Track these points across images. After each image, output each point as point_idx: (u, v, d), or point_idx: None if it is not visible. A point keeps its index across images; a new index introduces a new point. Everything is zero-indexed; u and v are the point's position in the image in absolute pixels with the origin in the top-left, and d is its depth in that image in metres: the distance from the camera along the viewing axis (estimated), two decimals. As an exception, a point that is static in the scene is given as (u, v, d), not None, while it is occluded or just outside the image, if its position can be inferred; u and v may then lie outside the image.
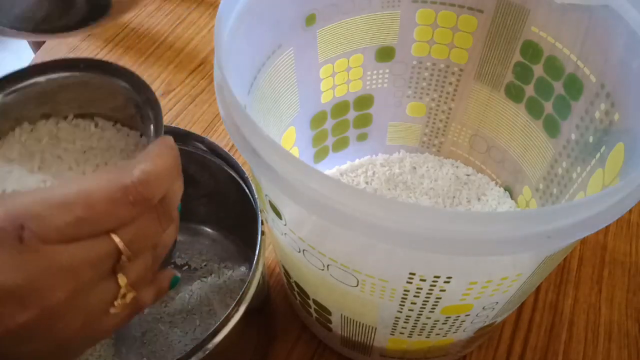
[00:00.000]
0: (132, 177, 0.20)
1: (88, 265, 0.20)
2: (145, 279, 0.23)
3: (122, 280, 0.21)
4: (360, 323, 0.32)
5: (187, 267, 0.42)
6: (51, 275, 0.19)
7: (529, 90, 0.38)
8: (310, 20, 0.37)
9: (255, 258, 0.31)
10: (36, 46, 0.68)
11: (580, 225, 0.21)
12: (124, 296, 0.22)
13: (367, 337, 0.33)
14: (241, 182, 0.36)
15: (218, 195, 0.40)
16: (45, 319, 0.19)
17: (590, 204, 0.21)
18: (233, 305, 0.29)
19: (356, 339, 0.34)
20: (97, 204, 0.20)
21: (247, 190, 0.36)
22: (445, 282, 0.25)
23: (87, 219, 0.19)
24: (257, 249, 0.32)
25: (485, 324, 0.31)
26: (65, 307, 0.19)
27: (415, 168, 0.48)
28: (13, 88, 0.26)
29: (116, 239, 0.20)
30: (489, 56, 0.40)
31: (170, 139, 0.23)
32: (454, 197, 0.46)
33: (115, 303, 0.22)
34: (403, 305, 0.27)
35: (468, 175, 0.48)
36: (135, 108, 0.26)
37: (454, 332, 0.31)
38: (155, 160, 0.22)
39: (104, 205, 0.20)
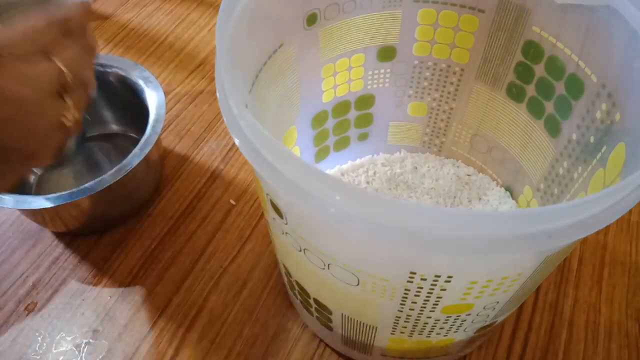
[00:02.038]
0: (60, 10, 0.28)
1: (41, 76, 0.27)
2: (84, 100, 0.30)
3: (68, 100, 0.29)
4: (360, 322, 0.32)
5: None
6: (13, 83, 0.26)
7: (530, 90, 0.38)
8: (312, 19, 0.37)
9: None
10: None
11: (581, 225, 0.21)
12: (73, 114, 0.29)
13: (368, 337, 0.33)
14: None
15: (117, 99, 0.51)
16: (14, 120, 0.26)
17: (591, 204, 0.21)
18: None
19: (357, 338, 0.34)
20: (37, 25, 0.27)
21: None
22: (446, 281, 0.25)
23: (32, 39, 0.27)
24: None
25: (486, 324, 0.31)
26: (28, 105, 0.26)
27: (416, 168, 0.49)
28: None
29: (57, 60, 0.28)
30: (490, 56, 0.40)
31: None
32: (455, 197, 0.46)
33: (69, 117, 0.29)
34: (404, 305, 0.28)
35: (469, 175, 0.48)
36: None
37: (455, 332, 0.31)
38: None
39: (41, 29, 0.27)
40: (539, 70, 0.37)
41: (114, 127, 0.53)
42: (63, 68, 0.28)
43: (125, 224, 0.47)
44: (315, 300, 0.33)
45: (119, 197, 0.44)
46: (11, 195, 0.40)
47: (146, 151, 0.42)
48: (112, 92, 0.49)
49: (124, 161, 0.41)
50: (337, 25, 0.39)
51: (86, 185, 0.39)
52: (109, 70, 0.48)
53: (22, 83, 0.26)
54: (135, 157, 0.41)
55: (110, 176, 0.40)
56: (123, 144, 0.52)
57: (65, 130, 0.30)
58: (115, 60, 0.48)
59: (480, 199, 0.46)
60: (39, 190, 0.48)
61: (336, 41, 0.39)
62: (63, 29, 0.28)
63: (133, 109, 0.47)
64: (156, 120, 0.44)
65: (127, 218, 0.47)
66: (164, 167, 0.50)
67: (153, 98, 0.45)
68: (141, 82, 0.47)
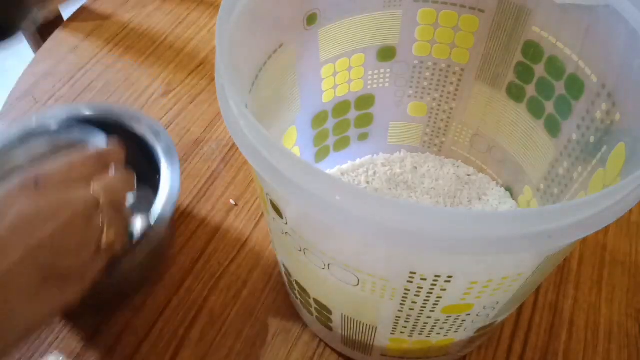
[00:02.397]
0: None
1: (78, 199, 0.30)
2: (119, 234, 0.33)
3: (103, 219, 0.31)
4: (361, 322, 0.32)
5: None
6: (54, 206, 0.29)
7: (530, 90, 0.38)
8: (312, 19, 0.37)
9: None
10: (36, 46, 0.68)
11: (581, 225, 0.21)
12: (107, 234, 0.31)
13: (368, 337, 0.33)
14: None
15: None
16: (55, 236, 0.28)
17: (591, 204, 0.21)
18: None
19: (357, 338, 0.34)
20: (76, 163, 0.32)
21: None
22: (446, 281, 0.25)
23: (71, 171, 0.32)
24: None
25: (486, 324, 0.31)
26: (67, 229, 0.29)
27: (416, 168, 0.49)
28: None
29: (92, 186, 0.31)
30: (490, 56, 0.40)
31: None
32: (454, 196, 0.46)
33: (104, 239, 0.31)
34: (404, 305, 0.28)
35: (469, 175, 0.48)
36: None
37: (455, 332, 0.31)
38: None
39: (80, 163, 0.32)
40: (539, 70, 0.37)
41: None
42: (98, 194, 0.31)
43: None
44: (315, 300, 0.33)
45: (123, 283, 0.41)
46: None
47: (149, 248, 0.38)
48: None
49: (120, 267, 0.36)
50: (337, 25, 0.38)
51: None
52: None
53: (60, 206, 0.29)
54: (131, 260, 0.37)
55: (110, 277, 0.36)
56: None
57: (100, 254, 0.32)
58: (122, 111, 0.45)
59: (480, 199, 0.46)
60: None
61: (336, 41, 0.39)
62: (100, 163, 0.33)
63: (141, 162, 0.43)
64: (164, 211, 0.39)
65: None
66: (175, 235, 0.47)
67: (165, 182, 0.40)
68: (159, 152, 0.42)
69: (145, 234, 0.38)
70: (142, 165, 0.43)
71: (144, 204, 0.45)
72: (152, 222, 0.38)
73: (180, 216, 0.47)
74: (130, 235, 0.41)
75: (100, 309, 0.41)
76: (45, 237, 0.28)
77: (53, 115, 0.43)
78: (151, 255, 0.37)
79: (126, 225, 0.35)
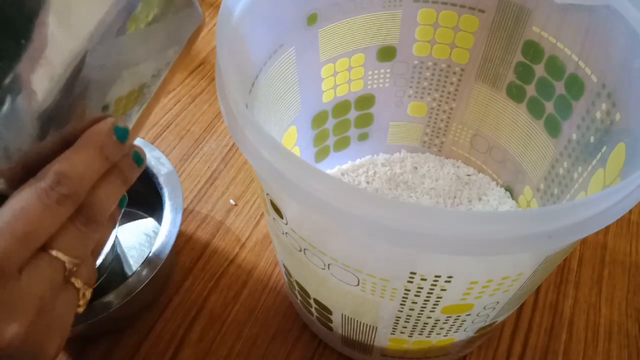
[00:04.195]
0: (47, 181, 0.22)
1: (41, 292, 0.21)
2: (93, 274, 0.25)
3: (77, 283, 0.24)
4: (361, 322, 0.32)
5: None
6: (6, 312, 0.20)
7: (530, 90, 0.38)
8: (312, 19, 0.37)
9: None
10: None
11: (581, 225, 0.21)
12: (84, 295, 0.24)
13: (368, 337, 0.33)
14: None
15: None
16: (8, 352, 0.20)
17: (591, 204, 0.21)
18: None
19: (357, 338, 0.34)
20: (32, 215, 0.21)
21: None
22: (446, 281, 0.25)
23: (30, 233, 0.21)
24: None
25: (486, 324, 0.31)
26: (36, 327, 0.21)
27: (416, 168, 0.49)
28: None
29: (57, 254, 0.22)
30: (490, 56, 0.40)
31: (92, 131, 0.24)
32: (455, 197, 0.46)
33: (80, 303, 0.24)
34: (404, 305, 0.28)
35: (469, 175, 0.48)
36: None
37: (455, 332, 0.31)
38: (71, 156, 0.23)
39: (39, 213, 0.21)
40: (539, 70, 0.37)
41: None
42: (64, 258, 0.23)
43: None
44: (315, 300, 0.33)
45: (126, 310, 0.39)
46: None
47: (155, 270, 0.37)
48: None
49: (130, 280, 0.36)
50: (337, 25, 0.39)
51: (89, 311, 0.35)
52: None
53: (18, 302, 0.21)
54: (142, 276, 0.37)
55: (115, 297, 0.36)
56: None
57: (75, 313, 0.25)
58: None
59: (480, 199, 0.46)
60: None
61: (336, 41, 0.39)
62: (58, 199, 0.22)
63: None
64: (169, 236, 0.39)
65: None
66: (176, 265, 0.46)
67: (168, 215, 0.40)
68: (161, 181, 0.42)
69: (149, 264, 0.37)
70: (146, 194, 0.43)
71: (149, 234, 0.45)
72: (156, 253, 0.38)
73: (180, 216, 0.47)
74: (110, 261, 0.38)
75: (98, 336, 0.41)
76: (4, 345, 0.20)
77: None
78: (154, 284, 0.37)
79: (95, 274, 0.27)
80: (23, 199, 0.21)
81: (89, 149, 0.23)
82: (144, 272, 0.37)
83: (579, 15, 0.32)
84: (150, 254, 0.38)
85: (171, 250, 0.38)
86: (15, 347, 0.21)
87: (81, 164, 0.23)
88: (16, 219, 0.21)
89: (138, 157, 0.26)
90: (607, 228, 0.45)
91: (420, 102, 0.46)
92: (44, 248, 0.22)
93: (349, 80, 0.43)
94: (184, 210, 0.48)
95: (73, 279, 0.24)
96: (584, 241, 0.46)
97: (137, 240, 0.45)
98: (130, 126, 0.26)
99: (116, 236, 0.38)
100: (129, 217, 0.47)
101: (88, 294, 0.25)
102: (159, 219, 0.42)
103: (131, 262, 0.44)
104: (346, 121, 0.46)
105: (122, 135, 0.24)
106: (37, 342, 0.22)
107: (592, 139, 0.32)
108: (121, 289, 0.36)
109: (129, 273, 0.37)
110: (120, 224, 0.39)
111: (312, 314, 0.36)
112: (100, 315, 0.34)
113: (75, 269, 0.23)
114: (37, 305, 0.21)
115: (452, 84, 0.44)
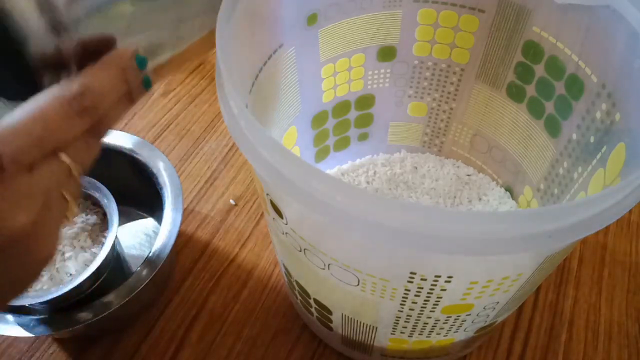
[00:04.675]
0: (72, 91, 0.23)
1: (47, 190, 0.23)
2: (79, 190, 0.26)
3: (69, 196, 0.25)
4: (361, 322, 0.32)
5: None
6: (16, 204, 0.21)
7: (530, 90, 0.38)
8: (312, 19, 0.37)
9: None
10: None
11: (581, 225, 0.21)
12: (71, 209, 0.25)
13: (368, 337, 0.33)
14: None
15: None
16: (16, 240, 0.22)
17: (591, 204, 0.21)
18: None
19: (357, 338, 0.34)
20: (51, 121, 0.22)
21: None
22: (446, 281, 0.25)
23: (46, 137, 0.22)
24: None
25: (486, 324, 0.31)
26: (38, 223, 0.22)
27: (416, 168, 0.49)
28: None
29: (66, 159, 0.23)
30: (490, 56, 0.40)
31: (117, 53, 0.25)
32: (455, 197, 0.46)
33: (67, 214, 0.25)
34: (404, 305, 0.28)
35: (469, 175, 0.48)
36: None
37: (455, 332, 0.31)
38: (97, 72, 0.24)
39: (58, 120, 0.22)
40: (539, 70, 0.37)
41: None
42: (71, 165, 0.24)
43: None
44: (315, 300, 0.33)
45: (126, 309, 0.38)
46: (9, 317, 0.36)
47: (155, 270, 0.37)
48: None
49: (130, 281, 0.36)
50: (337, 25, 0.39)
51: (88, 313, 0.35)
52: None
53: (26, 197, 0.22)
54: (142, 277, 0.37)
55: (115, 297, 0.36)
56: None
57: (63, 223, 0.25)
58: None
59: (480, 199, 0.46)
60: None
61: (336, 41, 0.39)
62: (79, 110, 0.23)
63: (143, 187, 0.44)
64: (169, 235, 0.39)
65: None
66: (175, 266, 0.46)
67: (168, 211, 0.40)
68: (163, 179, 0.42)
69: (149, 264, 0.37)
70: (146, 194, 0.43)
71: (150, 234, 0.45)
72: (156, 252, 0.38)
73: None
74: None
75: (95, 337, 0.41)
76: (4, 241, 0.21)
77: None
78: (153, 284, 0.37)
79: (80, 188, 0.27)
80: (46, 103, 0.22)
81: (113, 68, 0.24)
82: (144, 272, 0.37)
83: (579, 15, 0.32)
84: (150, 254, 0.38)
85: (171, 250, 0.38)
86: (20, 238, 0.22)
87: (106, 81, 0.24)
88: (35, 121, 0.22)
89: (147, 81, 0.27)
90: (607, 228, 0.45)
91: (420, 102, 0.46)
92: (54, 151, 0.23)
93: (349, 80, 0.43)
94: (184, 210, 0.48)
95: (66, 192, 0.24)
96: (584, 241, 0.46)
97: (137, 240, 0.45)
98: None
99: (116, 236, 0.38)
100: (128, 217, 0.47)
101: (74, 209, 0.25)
102: (159, 219, 0.42)
103: (131, 262, 0.44)
104: (346, 121, 0.46)
105: (142, 62, 0.26)
106: (38, 237, 0.23)
107: (592, 139, 0.32)
108: (121, 289, 0.36)
109: (129, 273, 0.37)
110: (120, 224, 0.39)
111: (312, 314, 0.36)
112: (100, 315, 0.34)
113: (75, 181, 0.24)
114: (42, 201, 0.23)
115: (452, 84, 0.44)
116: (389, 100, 0.46)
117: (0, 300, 0.23)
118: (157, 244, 0.38)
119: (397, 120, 0.47)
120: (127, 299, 0.35)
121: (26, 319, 0.35)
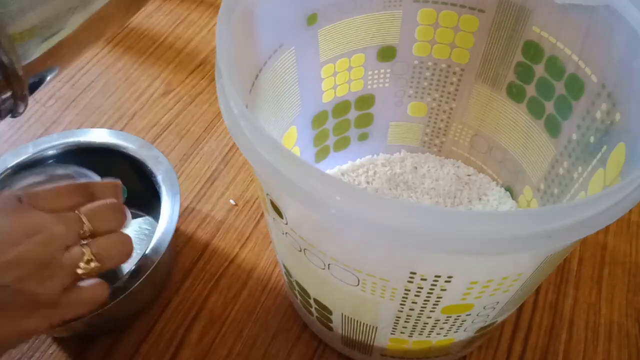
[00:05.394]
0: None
1: (60, 224, 0.29)
2: (107, 255, 0.30)
3: (86, 249, 0.29)
4: (361, 322, 0.32)
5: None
6: (36, 225, 0.28)
7: (530, 90, 0.38)
8: (312, 19, 0.37)
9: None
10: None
11: (581, 225, 0.21)
12: (88, 262, 0.29)
13: (368, 337, 0.33)
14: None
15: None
16: (31, 252, 0.27)
17: (591, 204, 0.21)
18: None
19: (357, 338, 0.34)
20: (63, 189, 0.31)
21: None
22: (446, 281, 0.25)
23: (58, 195, 0.30)
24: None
25: (486, 324, 0.31)
26: (45, 248, 0.27)
27: (416, 168, 0.49)
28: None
29: (79, 213, 0.30)
30: (490, 56, 0.40)
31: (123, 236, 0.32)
32: (455, 197, 0.46)
33: (81, 264, 0.29)
34: (404, 305, 0.28)
35: (469, 175, 0.48)
36: None
37: (455, 332, 0.31)
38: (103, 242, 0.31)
39: (66, 191, 0.31)
40: (539, 70, 0.37)
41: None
42: (83, 218, 0.30)
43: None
44: (315, 300, 0.33)
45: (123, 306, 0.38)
46: None
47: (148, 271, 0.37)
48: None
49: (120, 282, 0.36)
50: (337, 25, 0.39)
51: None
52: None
53: (37, 226, 0.28)
54: (136, 279, 0.37)
55: (110, 295, 0.35)
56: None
57: (77, 285, 0.29)
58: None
59: (480, 199, 0.46)
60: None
61: (336, 41, 0.39)
62: (91, 194, 0.32)
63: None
64: (164, 236, 0.39)
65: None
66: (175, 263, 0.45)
67: (166, 208, 0.40)
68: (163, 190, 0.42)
69: (145, 260, 0.37)
70: (144, 193, 0.43)
71: (147, 233, 0.45)
72: (152, 250, 0.38)
73: (180, 216, 0.47)
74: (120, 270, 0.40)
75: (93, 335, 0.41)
76: (11, 257, 0.26)
77: (50, 144, 0.44)
78: (151, 283, 0.37)
79: (115, 256, 0.31)
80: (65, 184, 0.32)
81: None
82: (140, 270, 0.37)
83: (579, 15, 0.32)
84: (146, 252, 0.38)
85: (168, 248, 0.38)
86: (20, 256, 0.26)
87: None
88: (55, 188, 0.31)
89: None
90: (607, 228, 0.45)
91: (420, 102, 0.46)
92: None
93: (349, 80, 0.43)
94: (184, 210, 0.48)
95: (84, 246, 0.29)
96: (584, 241, 0.46)
97: (135, 239, 0.45)
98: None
99: None
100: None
101: (93, 265, 0.29)
102: (157, 217, 0.42)
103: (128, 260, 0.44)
104: (346, 121, 0.46)
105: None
106: (30, 274, 0.27)
107: (592, 139, 0.32)
108: (116, 287, 0.36)
109: (125, 272, 0.37)
110: None
111: (312, 314, 0.36)
112: (95, 312, 0.34)
113: (88, 235, 0.30)
114: (46, 235, 0.28)
115: (452, 84, 0.44)
116: (389, 100, 0.46)
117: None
118: (153, 242, 0.38)
119: (397, 120, 0.47)
120: (122, 297, 0.35)
121: None
